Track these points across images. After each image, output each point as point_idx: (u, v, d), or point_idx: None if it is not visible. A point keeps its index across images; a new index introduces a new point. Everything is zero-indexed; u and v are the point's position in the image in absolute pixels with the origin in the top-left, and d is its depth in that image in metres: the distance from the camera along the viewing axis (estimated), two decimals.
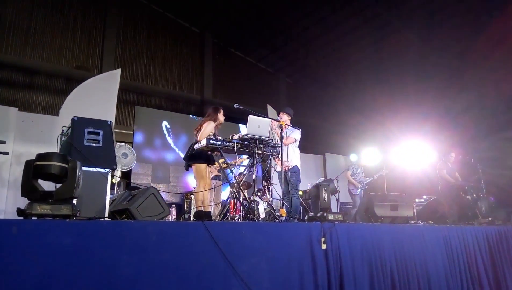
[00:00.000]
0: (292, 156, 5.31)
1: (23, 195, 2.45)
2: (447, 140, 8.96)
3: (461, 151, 7.60)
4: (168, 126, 10.24)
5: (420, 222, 5.12)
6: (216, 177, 6.47)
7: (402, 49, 10.31)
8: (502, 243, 4.81)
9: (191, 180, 9.80)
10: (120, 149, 6.49)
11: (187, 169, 5.19)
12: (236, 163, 5.81)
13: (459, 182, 7.11)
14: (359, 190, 7.93)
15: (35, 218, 2.34)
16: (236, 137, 4.40)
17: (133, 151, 6.80)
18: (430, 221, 5.09)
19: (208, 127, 4.92)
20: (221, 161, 5.14)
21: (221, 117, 5.23)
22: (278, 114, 5.68)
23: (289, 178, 5.10)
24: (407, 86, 10.28)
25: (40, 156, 2.49)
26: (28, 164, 2.46)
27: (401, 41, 10.27)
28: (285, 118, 5.52)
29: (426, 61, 10.08)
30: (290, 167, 5.22)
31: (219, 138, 4.44)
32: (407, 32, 10.12)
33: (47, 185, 2.62)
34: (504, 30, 8.71)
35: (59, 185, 2.53)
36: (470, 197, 6.45)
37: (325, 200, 4.13)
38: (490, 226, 5.00)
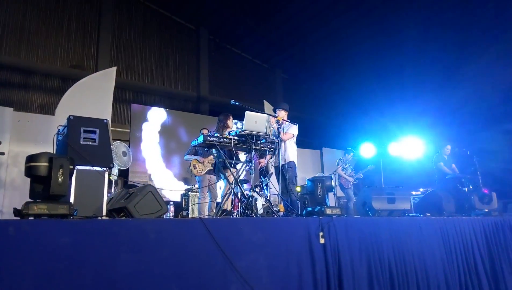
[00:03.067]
0: (289, 151, 5.32)
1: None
2: (444, 133, 8.99)
3: (458, 144, 7.63)
4: (165, 123, 10.22)
5: (418, 214, 5.15)
6: (209, 172, 6.46)
7: (399, 43, 10.30)
8: (498, 234, 4.84)
9: (188, 178, 9.81)
10: (120, 147, 6.45)
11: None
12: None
13: (456, 174, 7.15)
14: (351, 183, 8.02)
15: (32, 218, 2.33)
16: (233, 133, 4.41)
17: (129, 150, 6.78)
18: (427, 213, 5.12)
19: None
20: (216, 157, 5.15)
21: (230, 123, 5.48)
22: (274, 111, 5.68)
23: (286, 173, 5.11)
24: (404, 79, 10.29)
25: (27, 158, 2.51)
26: None
27: (399, 34, 10.26)
28: (282, 114, 5.53)
29: (423, 55, 10.08)
30: (287, 162, 5.23)
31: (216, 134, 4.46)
32: (405, 25, 10.10)
33: None
34: (499, 23, 8.72)
35: None
36: (466, 189, 6.48)
37: (319, 195, 4.13)
38: (487, 217, 5.03)
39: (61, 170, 2.45)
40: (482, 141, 8.41)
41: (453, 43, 9.67)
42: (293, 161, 5.39)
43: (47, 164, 2.45)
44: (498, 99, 9.28)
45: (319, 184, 4.14)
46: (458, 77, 9.62)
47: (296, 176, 5.43)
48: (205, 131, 5.86)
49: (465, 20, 9.26)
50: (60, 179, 2.44)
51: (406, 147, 9.36)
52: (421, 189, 7.70)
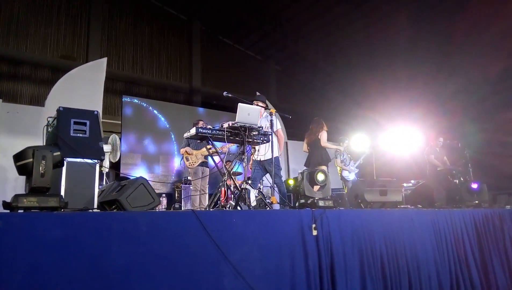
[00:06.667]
0: (274, 145, 5.29)
1: None
2: (435, 125, 9.04)
3: (449, 136, 7.69)
4: (158, 115, 10.14)
5: (409, 206, 5.19)
6: (202, 164, 6.45)
7: (392, 35, 10.31)
8: (488, 226, 4.90)
9: (181, 170, 9.77)
10: (118, 140, 6.30)
11: None
12: (224, 150, 5.80)
13: (447, 166, 7.21)
14: (352, 174, 7.96)
15: (22, 211, 2.30)
16: (226, 125, 4.38)
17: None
18: (419, 205, 5.16)
19: (324, 135, 6.20)
20: (208, 147, 5.13)
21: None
22: (251, 104, 5.52)
23: (272, 167, 5.08)
24: (397, 71, 10.31)
25: (14, 158, 2.48)
26: None
27: (391, 26, 10.26)
28: (260, 106, 5.42)
29: (415, 47, 10.09)
30: (274, 156, 5.22)
31: (209, 126, 4.44)
32: (397, 17, 10.10)
33: None
34: (490, 14, 8.75)
35: None
36: (457, 181, 6.55)
37: (301, 189, 4.10)
38: (477, 209, 5.08)
39: (43, 161, 2.40)
40: (473, 133, 8.49)
41: (444, 33, 9.69)
42: (277, 156, 5.39)
43: (31, 159, 2.41)
44: (489, 91, 9.34)
45: (301, 178, 4.13)
46: (449, 69, 9.66)
47: (280, 169, 5.43)
48: (201, 123, 5.81)
49: (456, 10, 9.27)
50: (42, 171, 2.39)
51: (398, 139, 9.40)
52: (412, 181, 7.76)
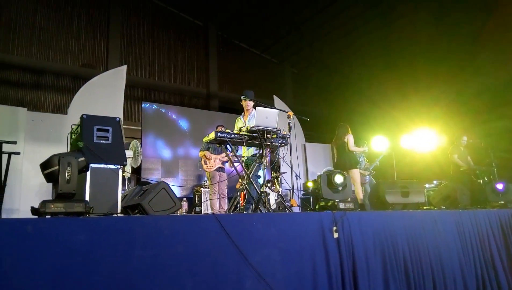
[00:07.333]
0: None
1: None
2: (457, 124, 8.84)
3: (472, 135, 7.51)
4: (176, 120, 10.27)
5: (432, 207, 5.09)
6: (220, 169, 6.49)
7: (411, 33, 10.12)
8: None
9: (200, 174, 9.85)
10: (139, 146, 6.40)
11: None
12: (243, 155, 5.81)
13: (471, 166, 7.04)
14: (367, 177, 7.88)
15: (49, 216, 2.37)
16: (244, 129, 4.40)
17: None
18: (442, 206, 5.05)
19: (351, 139, 6.32)
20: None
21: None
22: (241, 100, 5.34)
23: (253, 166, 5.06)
24: (416, 70, 10.11)
25: (41, 167, 2.58)
26: None
27: (410, 24, 10.09)
28: (251, 103, 5.27)
29: (436, 45, 9.89)
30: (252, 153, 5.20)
31: (228, 130, 4.47)
32: (416, 16, 9.92)
33: None
34: None
35: None
36: (481, 181, 6.38)
37: (320, 192, 4.07)
38: (502, 209, 4.95)
39: (68, 168, 2.47)
40: (498, 132, 8.26)
41: (467, 31, 9.46)
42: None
43: (57, 167, 2.49)
44: None
45: (318, 181, 4.10)
46: (472, 68, 9.43)
47: (260, 168, 5.37)
48: (219, 128, 5.83)
49: (480, 7, 9.03)
50: (68, 177, 2.46)
51: (419, 140, 9.22)
52: (434, 182, 7.61)
